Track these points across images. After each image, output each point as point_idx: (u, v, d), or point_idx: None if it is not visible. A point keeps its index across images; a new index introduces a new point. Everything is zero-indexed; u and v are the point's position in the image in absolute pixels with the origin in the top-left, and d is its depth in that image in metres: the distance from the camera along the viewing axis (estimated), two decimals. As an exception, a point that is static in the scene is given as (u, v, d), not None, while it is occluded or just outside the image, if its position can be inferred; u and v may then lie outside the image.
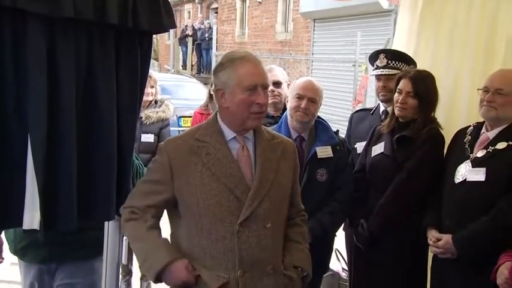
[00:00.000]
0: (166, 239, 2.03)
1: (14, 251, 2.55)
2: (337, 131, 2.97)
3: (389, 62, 3.05)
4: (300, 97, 2.73)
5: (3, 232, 2.52)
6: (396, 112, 2.71)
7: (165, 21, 1.83)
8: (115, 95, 1.78)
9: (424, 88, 2.66)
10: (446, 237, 2.43)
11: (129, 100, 1.84)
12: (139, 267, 2.01)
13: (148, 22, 1.78)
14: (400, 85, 2.70)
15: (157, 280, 1.93)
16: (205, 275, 1.95)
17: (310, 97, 2.73)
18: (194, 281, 1.93)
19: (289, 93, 2.90)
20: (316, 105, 2.77)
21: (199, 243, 1.98)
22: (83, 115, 1.72)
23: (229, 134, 2.02)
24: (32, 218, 1.68)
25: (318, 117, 2.89)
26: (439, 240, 2.46)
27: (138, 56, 1.83)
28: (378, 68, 3.10)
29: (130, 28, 1.74)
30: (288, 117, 2.79)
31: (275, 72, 3.42)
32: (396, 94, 2.71)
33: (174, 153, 1.98)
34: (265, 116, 2.06)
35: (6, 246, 2.59)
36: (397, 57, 3.08)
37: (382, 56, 3.09)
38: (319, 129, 2.84)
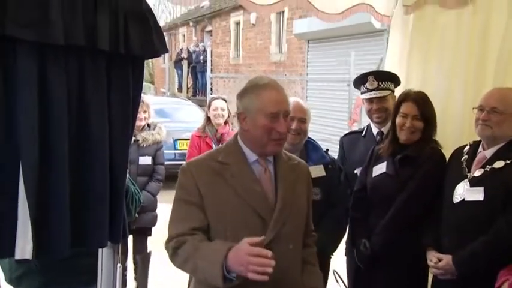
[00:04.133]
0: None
1: (10, 280, 2.52)
2: (327, 150, 2.97)
3: (380, 83, 3.04)
4: (291, 118, 2.72)
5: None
6: (402, 137, 2.68)
7: (157, 45, 1.82)
8: (107, 121, 1.76)
9: (429, 110, 2.68)
10: (447, 258, 2.41)
11: (122, 126, 1.82)
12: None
13: (140, 47, 1.77)
14: (404, 109, 2.67)
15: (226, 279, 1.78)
16: None
17: (300, 117, 2.74)
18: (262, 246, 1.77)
19: None
20: (306, 124, 2.77)
21: None
22: (75, 142, 1.70)
23: (251, 156, 2.03)
24: (23, 247, 1.65)
25: (308, 137, 2.89)
26: (440, 260, 2.43)
27: (130, 81, 1.81)
28: (368, 90, 3.08)
29: (121, 54, 1.73)
30: None
31: None
32: (400, 118, 2.68)
33: (199, 174, 1.99)
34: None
35: (2, 276, 2.56)
36: (386, 78, 3.09)
37: (371, 78, 3.07)
38: (310, 149, 2.84)
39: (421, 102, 2.67)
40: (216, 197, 1.97)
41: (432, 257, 2.48)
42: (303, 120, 2.76)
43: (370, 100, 3.10)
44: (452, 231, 2.44)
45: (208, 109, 4.50)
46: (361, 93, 3.16)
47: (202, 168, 2.02)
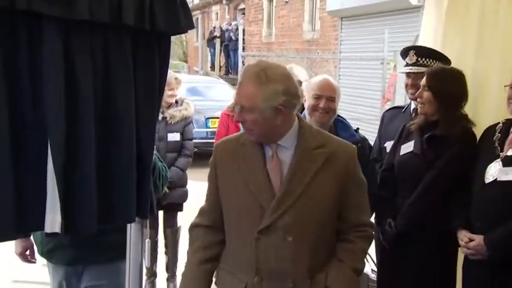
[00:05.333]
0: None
1: (42, 252, 2.59)
2: (358, 128, 2.93)
3: (419, 59, 2.98)
4: (318, 97, 2.70)
5: (32, 234, 2.56)
6: (418, 109, 2.66)
7: (182, 22, 1.79)
8: (133, 98, 1.76)
9: (439, 82, 2.59)
10: (478, 239, 2.35)
11: (148, 103, 1.82)
12: None
13: (165, 23, 1.74)
14: (422, 81, 2.66)
15: None
16: (228, 280, 2.01)
17: (329, 96, 2.71)
18: None
19: (305, 92, 2.86)
20: (335, 103, 2.73)
21: (228, 246, 2.04)
22: (101, 118, 1.70)
23: None
24: (53, 221, 1.68)
25: (338, 115, 2.85)
26: (471, 240, 2.38)
27: (156, 57, 1.80)
28: (407, 65, 3.04)
29: (147, 30, 1.72)
30: (307, 116, 2.75)
31: (294, 71, 3.40)
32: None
33: (221, 154, 2.07)
34: (254, 133, 1.95)
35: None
36: (427, 55, 3.00)
37: (411, 52, 3.02)
38: (339, 128, 2.80)
39: (433, 75, 2.62)
40: (226, 180, 2.02)
41: (463, 236, 2.44)
42: (331, 98, 2.72)
43: (407, 75, 3.06)
44: (484, 211, 2.38)
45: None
46: (403, 67, 3.14)
47: (226, 148, 2.06)
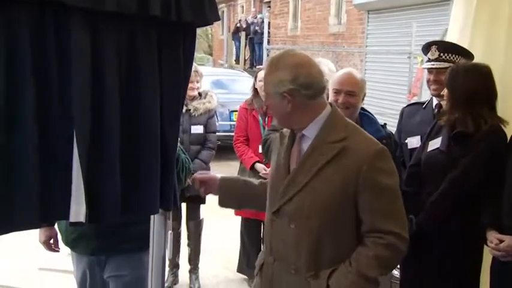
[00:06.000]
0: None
1: (66, 242, 2.63)
2: (385, 124, 2.89)
3: (442, 54, 2.92)
4: (337, 92, 2.67)
5: (56, 224, 2.60)
6: (444, 107, 2.62)
7: (208, 13, 1.79)
8: (158, 89, 1.76)
9: (454, 79, 2.55)
10: (509, 239, 2.29)
11: (172, 94, 1.82)
12: None
13: (191, 15, 1.74)
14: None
15: None
16: (261, 255, 2.20)
17: (348, 90, 2.66)
18: None
19: (329, 86, 2.83)
20: (356, 97, 2.69)
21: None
22: (126, 110, 1.71)
23: None
24: (77, 210, 1.69)
25: (364, 109, 2.81)
26: (501, 241, 2.32)
27: (181, 49, 1.80)
28: (429, 60, 2.98)
29: (173, 21, 1.71)
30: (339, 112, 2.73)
31: (321, 64, 3.37)
32: None
33: (275, 139, 2.21)
34: (274, 117, 2.14)
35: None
36: (450, 50, 2.94)
37: (434, 48, 2.97)
38: (365, 122, 2.75)
39: (451, 71, 2.60)
40: (271, 161, 2.19)
41: (493, 238, 2.37)
42: (351, 93, 2.67)
43: (429, 70, 3.01)
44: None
45: (256, 80, 4.41)
46: (425, 62, 3.09)
47: (281, 135, 2.17)
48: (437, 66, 2.92)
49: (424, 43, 3.18)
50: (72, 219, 1.70)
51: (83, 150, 1.64)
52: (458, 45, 3.00)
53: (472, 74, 2.56)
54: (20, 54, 1.49)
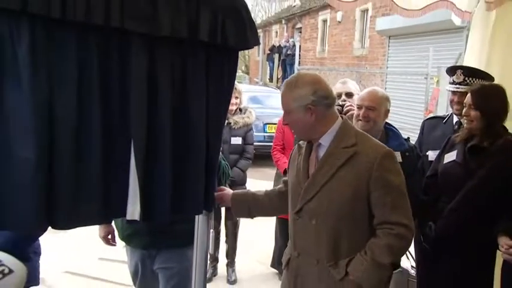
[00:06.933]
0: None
1: (122, 237, 2.65)
2: (408, 138, 2.83)
3: (466, 78, 2.85)
4: (359, 107, 2.65)
5: (113, 221, 2.63)
6: (465, 125, 2.54)
7: (249, 38, 1.79)
8: (204, 104, 1.77)
9: (484, 100, 2.46)
10: None
11: (217, 109, 1.83)
12: None
13: (234, 39, 1.75)
14: (465, 99, 2.55)
15: None
16: (286, 251, 2.20)
17: (368, 105, 2.63)
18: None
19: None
20: (376, 112, 2.64)
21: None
22: (176, 122, 1.72)
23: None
24: (133, 210, 1.71)
25: (389, 124, 2.76)
26: (511, 247, 2.26)
27: (225, 70, 1.81)
28: (454, 83, 2.92)
29: (219, 45, 1.72)
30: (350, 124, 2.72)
31: (348, 84, 3.35)
32: (464, 109, 2.54)
33: (294, 152, 2.23)
34: (296, 132, 2.15)
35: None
36: (473, 75, 2.87)
37: (459, 72, 2.90)
38: (390, 136, 2.71)
39: (478, 94, 2.48)
40: (291, 170, 2.20)
41: (504, 243, 2.31)
42: (371, 108, 2.64)
43: (453, 92, 2.94)
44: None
45: None
46: (449, 83, 3.02)
47: (298, 147, 2.21)
48: (462, 90, 2.85)
49: (439, 66, 3.12)
50: (128, 217, 1.72)
51: (140, 157, 1.66)
52: (481, 70, 2.93)
53: (501, 95, 2.50)
54: (89, 73, 1.53)
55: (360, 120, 2.63)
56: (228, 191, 2.27)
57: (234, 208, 2.28)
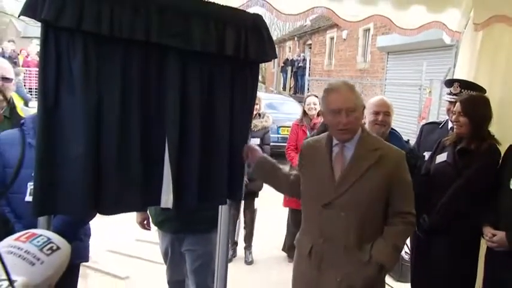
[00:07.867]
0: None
1: (155, 223, 2.66)
2: (408, 140, 2.82)
3: (462, 90, 2.82)
4: (377, 113, 2.62)
5: (148, 209, 2.65)
6: (455, 129, 2.51)
7: (268, 52, 1.80)
8: (229, 112, 1.79)
9: (472, 108, 2.44)
10: (501, 234, 2.23)
11: (242, 115, 1.84)
12: None
13: (255, 53, 1.76)
14: (455, 107, 2.51)
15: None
16: (304, 240, 2.10)
17: (385, 111, 2.62)
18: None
19: (366, 110, 2.76)
20: (390, 117, 2.64)
21: (304, 215, 2.13)
22: (205, 127, 1.73)
23: (335, 140, 2.05)
24: (167, 199, 1.73)
25: (392, 129, 2.74)
26: (494, 235, 2.25)
27: (248, 80, 1.82)
28: (451, 94, 2.88)
29: (242, 58, 1.73)
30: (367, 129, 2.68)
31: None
32: (454, 115, 2.52)
33: (306, 149, 2.15)
34: (351, 130, 1.97)
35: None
36: (468, 87, 2.83)
37: (456, 84, 2.86)
38: (393, 139, 2.68)
39: (466, 103, 2.46)
40: (306, 167, 2.10)
41: (488, 232, 2.30)
42: (387, 113, 2.64)
43: (450, 102, 2.89)
44: (508, 212, 2.23)
45: (304, 104, 4.45)
46: (446, 94, 2.97)
47: (309, 145, 2.15)
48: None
49: (431, 78, 3.08)
50: (163, 205, 1.74)
51: (172, 155, 1.67)
52: (475, 83, 2.88)
53: (487, 105, 2.48)
54: (131, 81, 1.55)
55: (378, 124, 2.61)
56: (259, 152, 2.16)
57: (256, 168, 2.18)
